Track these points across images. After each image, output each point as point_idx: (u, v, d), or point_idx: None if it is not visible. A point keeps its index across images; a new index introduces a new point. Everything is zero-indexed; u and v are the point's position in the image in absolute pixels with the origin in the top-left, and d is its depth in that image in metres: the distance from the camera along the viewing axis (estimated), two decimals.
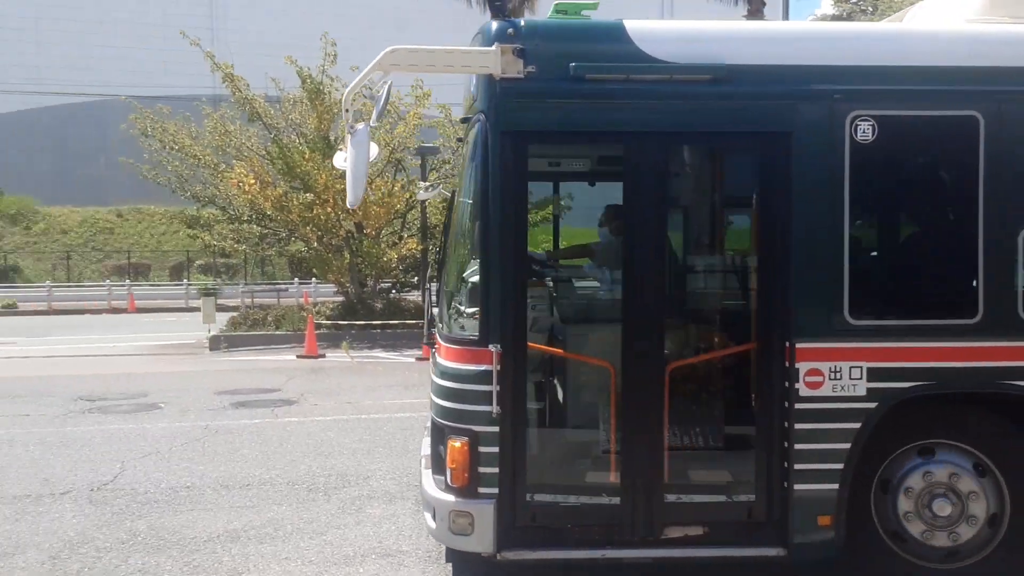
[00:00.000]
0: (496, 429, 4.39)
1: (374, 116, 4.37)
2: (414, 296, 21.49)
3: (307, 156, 17.17)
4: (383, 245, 18.63)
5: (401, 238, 19.56)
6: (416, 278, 21.02)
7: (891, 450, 4.54)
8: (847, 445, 4.37)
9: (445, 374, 4.56)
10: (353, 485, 6.84)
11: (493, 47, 4.31)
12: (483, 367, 4.38)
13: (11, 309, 27.30)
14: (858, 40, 4.77)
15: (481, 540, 4.41)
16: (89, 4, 51.72)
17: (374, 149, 4.52)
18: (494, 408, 4.35)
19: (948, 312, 4.54)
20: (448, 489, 4.44)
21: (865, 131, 4.42)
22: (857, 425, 4.38)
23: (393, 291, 20.81)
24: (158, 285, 35.31)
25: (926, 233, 4.87)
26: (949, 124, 4.51)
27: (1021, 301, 4.41)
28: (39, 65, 50.63)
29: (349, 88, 4.45)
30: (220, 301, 23.84)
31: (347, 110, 4.45)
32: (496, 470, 4.40)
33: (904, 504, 4.53)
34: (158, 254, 40.38)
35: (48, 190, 43.87)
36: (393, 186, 18.46)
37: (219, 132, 18.91)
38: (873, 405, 4.39)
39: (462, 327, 4.70)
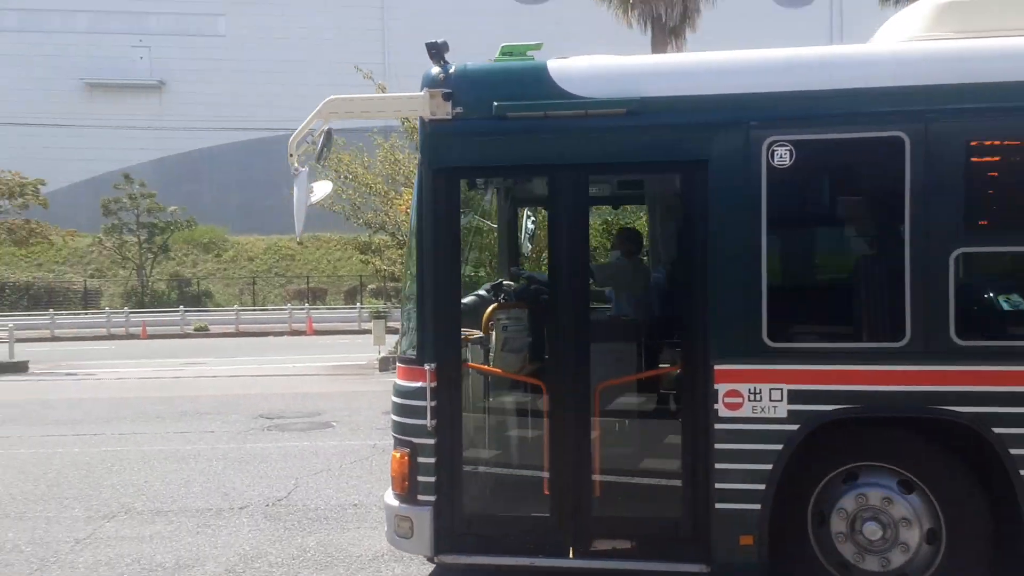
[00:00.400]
0: (432, 441, 4.70)
1: (315, 158, 4.88)
2: None
3: None
4: None
5: None
6: None
7: (823, 473, 4.49)
8: (768, 466, 4.38)
9: (395, 391, 4.92)
10: None
11: (423, 92, 4.70)
12: (419, 384, 4.72)
13: (203, 331, 29.44)
14: (775, 67, 4.70)
15: (420, 543, 4.75)
16: (268, 47, 55.26)
17: (324, 187, 5.00)
18: (428, 422, 4.67)
19: (873, 335, 4.48)
20: (395, 496, 4.82)
21: (782, 156, 4.43)
22: (779, 447, 4.38)
23: None
24: (334, 308, 37.17)
25: (849, 256, 4.84)
26: (873, 146, 4.47)
27: (953, 324, 4.27)
28: (225, 104, 54.54)
29: (293, 136, 4.89)
30: (390, 324, 24.77)
31: (291, 155, 4.87)
32: (433, 479, 4.72)
33: (839, 529, 4.47)
34: (334, 279, 42.52)
35: (236, 220, 47.13)
36: None
37: (389, 161, 19.67)
38: (795, 427, 4.38)
39: (406, 348, 5.05)
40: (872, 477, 4.45)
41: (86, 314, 34.37)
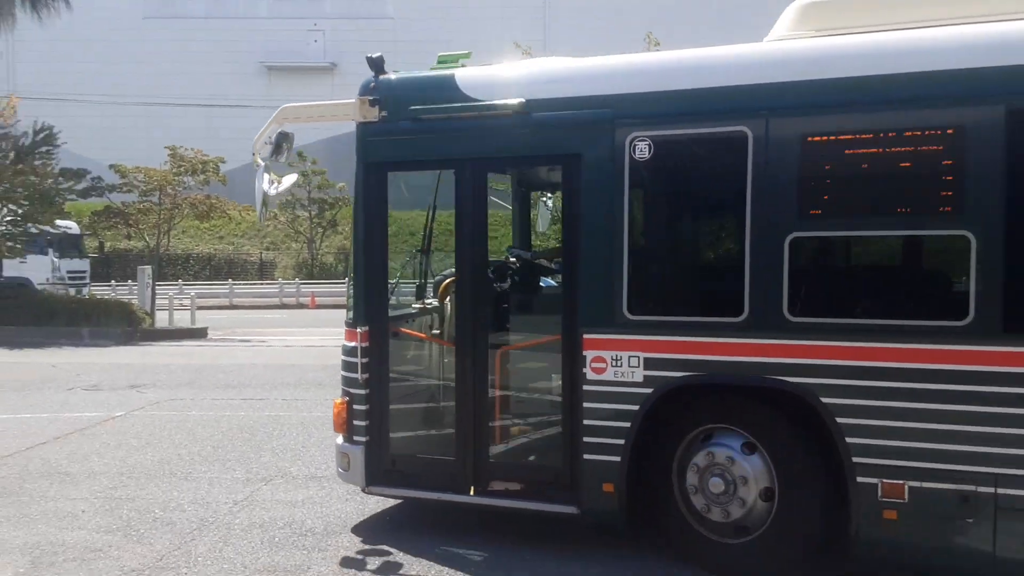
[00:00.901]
0: (364, 392, 5.70)
1: (268, 155, 5.91)
2: None
3: None
4: None
5: None
6: None
7: (684, 432, 5.08)
8: (627, 424, 5.04)
9: (342, 350, 5.91)
10: None
11: (356, 99, 5.72)
12: (353, 344, 5.75)
13: None
14: (637, 69, 5.38)
15: (356, 476, 5.76)
16: (434, 27, 56.36)
17: (290, 178, 6.04)
18: (360, 375, 5.69)
19: (716, 310, 5.03)
20: (340, 436, 5.85)
21: (642, 150, 5.05)
22: (635, 407, 5.02)
23: None
24: None
25: (697, 239, 5.60)
26: (720, 139, 4.96)
27: (786, 302, 4.69)
28: None
29: (255, 138, 6.00)
30: None
31: (254, 153, 5.94)
32: (365, 423, 5.70)
33: (692, 482, 5.04)
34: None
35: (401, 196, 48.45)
36: None
37: None
38: (649, 391, 5.00)
39: (347, 314, 5.98)
40: (722, 438, 5.00)
41: (261, 284, 36.43)
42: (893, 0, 5.11)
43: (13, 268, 22.94)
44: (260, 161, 5.96)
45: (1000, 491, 4.34)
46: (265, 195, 5.89)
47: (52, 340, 18.45)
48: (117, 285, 31.73)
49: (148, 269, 22.44)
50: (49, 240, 25.30)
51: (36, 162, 20.33)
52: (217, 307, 31.09)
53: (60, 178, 20.93)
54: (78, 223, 27.15)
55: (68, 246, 27.66)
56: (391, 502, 6.25)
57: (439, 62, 5.92)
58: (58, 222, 22.75)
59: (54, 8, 24.04)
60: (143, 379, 12.72)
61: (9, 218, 20.74)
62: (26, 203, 20.33)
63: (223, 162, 21.88)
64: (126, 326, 19.68)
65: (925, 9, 4.93)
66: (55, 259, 26.74)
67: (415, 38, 55.89)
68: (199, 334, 20.89)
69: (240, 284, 35.09)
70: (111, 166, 22.19)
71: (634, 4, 52.40)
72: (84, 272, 28.84)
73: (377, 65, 5.79)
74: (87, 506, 6.29)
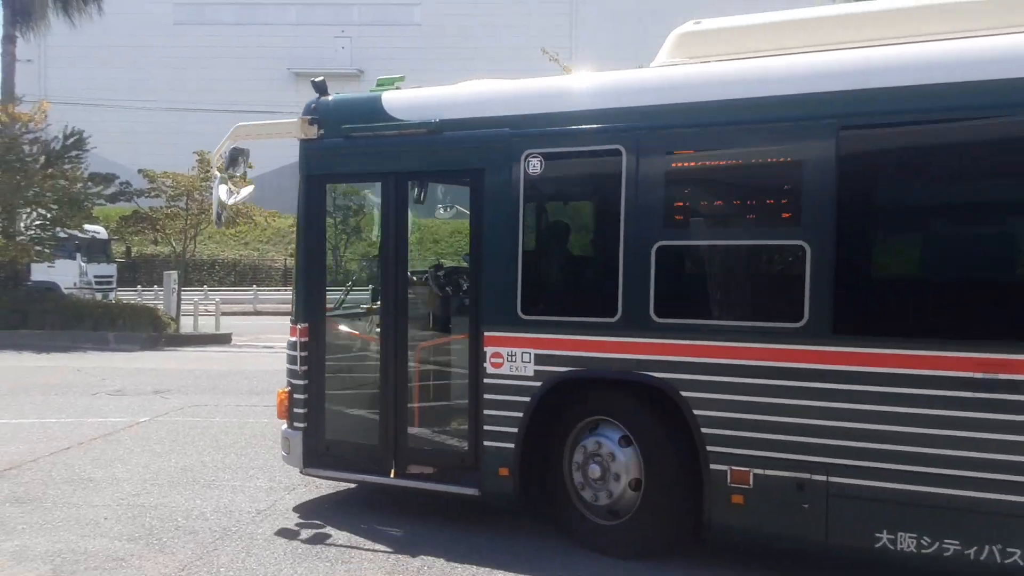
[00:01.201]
0: (302, 383, 6.35)
1: (225, 169, 6.67)
2: None
3: None
4: None
5: None
6: None
7: (574, 423, 5.63)
8: (520, 414, 5.59)
9: (287, 344, 6.59)
10: None
11: (297, 119, 6.41)
12: (295, 339, 6.42)
13: None
14: (532, 92, 5.94)
15: (295, 459, 6.43)
16: (461, 34, 56.58)
17: (247, 190, 6.86)
18: (299, 367, 6.35)
19: (595, 311, 5.48)
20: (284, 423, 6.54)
21: (535, 166, 5.66)
22: (527, 399, 5.58)
23: None
24: None
25: (580, 246, 6.13)
26: (599, 156, 5.55)
27: (652, 305, 5.25)
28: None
29: (213, 152, 6.86)
30: None
31: (212, 166, 7.07)
32: (303, 411, 6.34)
33: (576, 468, 5.61)
34: None
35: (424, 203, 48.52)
36: None
37: None
38: (538, 384, 5.56)
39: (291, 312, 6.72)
40: (604, 429, 5.55)
41: (285, 290, 36.56)
42: (750, 32, 5.77)
43: (41, 272, 23.11)
44: (217, 173, 6.83)
45: (831, 479, 4.80)
46: (223, 203, 6.77)
47: (78, 344, 18.57)
48: (143, 290, 31.94)
49: (174, 274, 22.54)
50: (77, 245, 25.50)
51: (66, 166, 20.51)
52: (242, 313, 31.22)
53: (89, 183, 21.08)
54: (106, 228, 27.34)
55: (96, 251, 27.86)
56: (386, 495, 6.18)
57: (377, 84, 6.56)
58: (86, 227, 22.92)
59: (86, 12, 24.32)
60: (167, 384, 12.74)
61: (38, 222, 20.92)
62: (55, 207, 20.48)
63: (251, 167, 21.80)
64: (151, 331, 19.76)
65: (776, 40, 5.58)
66: (83, 264, 26.95)
67: (442, 45, 56.14)
68: (224, 340, 20.95)
69: (265, 290, 35.24)
70: (140, 171, 22.29)
71: (662, 9, 52.23)
72: (111, 277, 29.04)
73: (320, 88, 6.52)
74: (110, 513, 6.25)
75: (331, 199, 6.70)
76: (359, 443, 6.41)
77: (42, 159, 20.32)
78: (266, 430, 9.32)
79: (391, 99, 6.24)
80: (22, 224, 21.03)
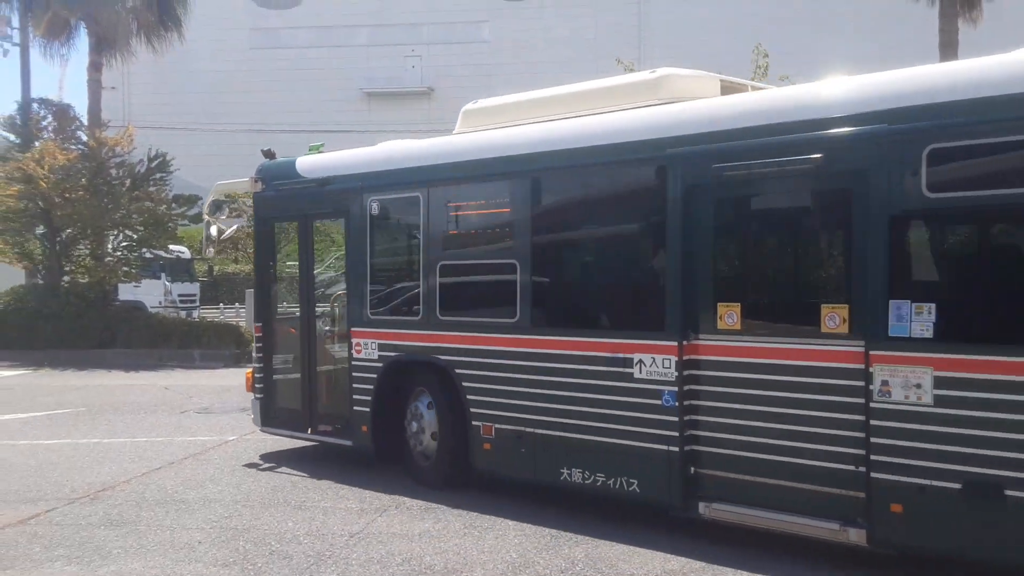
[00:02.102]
0: (259, 364, 9.02)
1: (211, 213, 10.12)
2: None
3: None
4: None
5: None
6: None
7: (409, 391, 7.77)
8: (371, 387, 7.84)
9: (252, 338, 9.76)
10: None
11: (249, 178, 9.04)
12: (255, 334, 9.26)
13: None
14: (373, 155, 8.29)
15: (257, 420, 9.03)
16: (528, 49, 56.61)
17: (232, 228, 11.04)
18: (255, 353, 9.19)
19: (408, 312, 7.67)
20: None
21: (375, 209, 7.92)
22: (375, 375, 7.83)
23: None
24: None
25: (400, 266, 8.16)
26: (409, 201, 7.67)
27: (438, 307, 7.39)
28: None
29: (204, 205, 9.83)
30: None
31: (203, 211, 10.04)
32: (260, 385, 8.94)
33: (407, 425, 7.80)
34: None
35: None
36: None
37: None
38: (380, 365, 7.80)
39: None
40: (423, 396, 7.67)
41: None
42: (503, 109, 7.85)
43: (128, 292, 23.66)
44: (206, 216, 10.12)
45: (535, 431, 6.74)
46: (212, 239, 10.16)
47: (165, 362, 18.91)
48: (225, 308, 32.53)
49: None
50: (162, 264, 26.08)
51: (151, 188, 20.96)
52: None
53: (173, 204, 21.51)
54: (189, 248, 27.93)
55: (180, 270, 28.49)
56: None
57: (309, 150, 8.98)
58: (171, 247, 23.39)
59: (167, 39, 24.92)
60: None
61: (125, 244, 21.41)
62: (141, 228, 20.94)
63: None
64: (234, 348, 19.98)
65: (516, 113, 7.63)
66: (167, 283, 27.57)
67: (510, 60, 56.25)
68: None
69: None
70: None
71: (731, 16, 51.43)
72: (194, 296, 29.66)
73: (268, 154, 9.25)
74: (203, 536, 6.15)
75: (276, 234, 9.34)
76: (293, 408, 8.75)
77: (128, 182, 20.80)
78: (350, 449, 9.20)
79: (302, 162, 8.75)
80: (110, 246, 21.55)
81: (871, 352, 5.10)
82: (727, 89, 6.92)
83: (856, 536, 5.20)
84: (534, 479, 6.81)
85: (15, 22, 26.89)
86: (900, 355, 5.00)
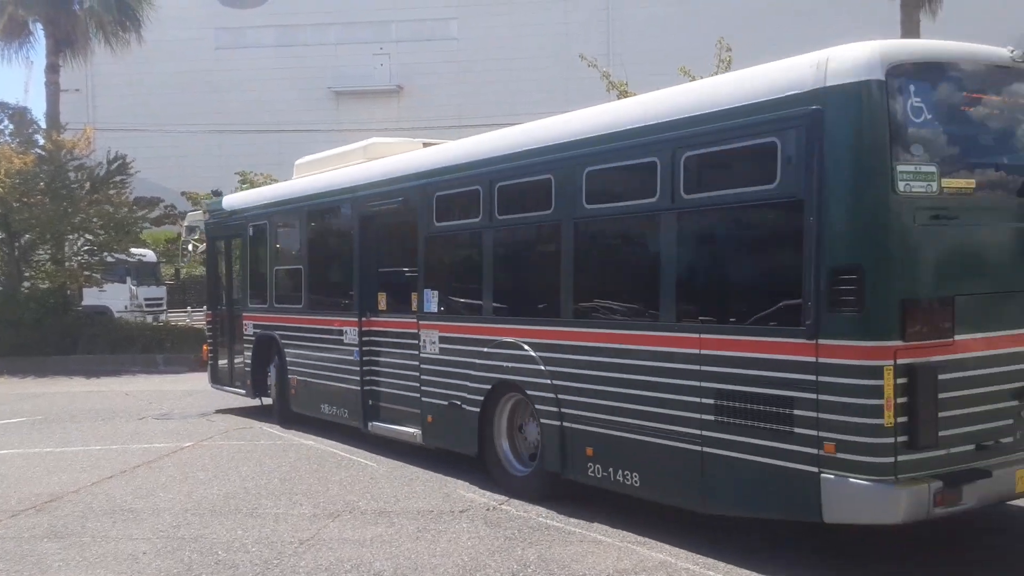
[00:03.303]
0: (210, 341, 12.81)
1: (187, 235, 14.66)
2: None
3: None
4: None
5: None
6: None
7: (276, 352, 10.85)
8: (250, 352, 11.30)
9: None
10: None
11: (201, 211, 13.50)
12: (207, 319, 13.26)
13: None
14: (247, 196, 12.74)
15: (209, 380, 12.97)
16: (497, 46, 56.44)
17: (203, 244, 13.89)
18: (207, 332, 13.44)
19: (263, 302, 11.12)
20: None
21: (251, 231, 11.38)
22: (251, 345, 11.27)
23: None
24: None
25: (261, 271, 11.30)
26: (262, 226, 11.20)
27: (274, 298, 10.97)
28: (457, 103, 56.27)
29: (183, 228, 15.20)
30: None
31: (186, 225, 14.67)
32: (210, 354, 12.86)
33: (268, 377, 11.16)
34: None
35: None
36: None
37: None
38: (253, 338, 11.24)
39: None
40: (276, 359, 10.91)
41: None
42: (306, 167, 11.19)
43: (93, 297, 23.30)
44: (184, 236, 13.95)
45: (308, 380, 10.18)
46: (189, 253, 14.89)
47: (127, 368, 18.63)
48: (193, 311, 32.15)
49: None
50: (127, 268, 25.71)
51: (111, 191, 20.64)
52: None
53: (135, 206, 21.20)
54: (154, 251, 27.56)
55: (145, 274, 28.09)
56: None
57: (211, 193, 16.75)
58: (133, 250, 23.05)
59: (125, 40, 24.52)
60: (214, 407, 12.60)
61: (86, 248, 21.08)
62: (102, 232, 20.61)
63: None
64: (199, 353, 19.72)
65: (309, 170, 11.01)
66: (133, 287, 27.18)
67: (480, 57, 56.07)
68: None
69: None
70: (183, 193, 22.42)
71: (698, 14, 51.56)
72: (161, 299, 29.26)
73: (215, 193, 15.13)
74: (148, 547, 6.01)
75: (218, 247, 12.67)
76: (227, 371, 12.20)
77: (87, 185, 20.48)
78: (311, 453, 9.08)
79: (226, 200, 12.79)
80: (70, 250, 21.20)
81: (419, 322, 8.15)
82: (428, 146, 9.23)
83: (419, 438, 8.24)
84: (310, 413, 10.20)
85: None
86: (426, 323, 8.06)
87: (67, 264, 20.76)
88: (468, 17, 57.49)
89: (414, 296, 8.21)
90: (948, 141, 5.23)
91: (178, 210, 21.97)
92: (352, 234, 9.20)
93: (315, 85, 57.17)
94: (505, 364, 7.14)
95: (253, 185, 22.01)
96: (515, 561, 5.58)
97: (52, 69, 23.92)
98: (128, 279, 26.64)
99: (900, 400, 4.79)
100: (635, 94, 18.48)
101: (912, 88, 5.03)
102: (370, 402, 8.93)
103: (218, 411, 12.25)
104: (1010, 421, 5.21)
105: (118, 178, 20.71)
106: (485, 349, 7.34)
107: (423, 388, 8.06)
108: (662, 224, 5.93)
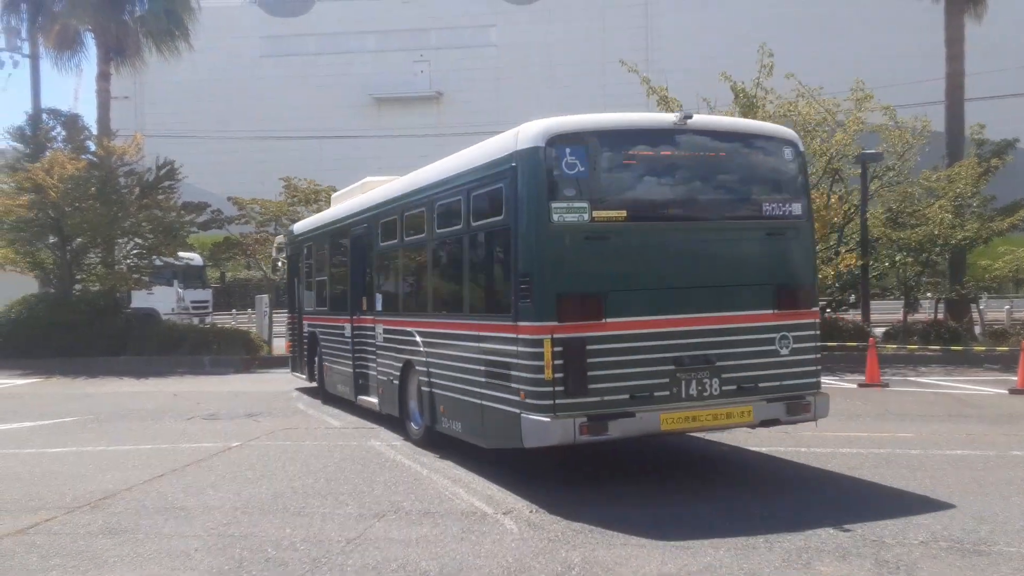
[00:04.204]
0: (291, 336, 16.22)
1: (276, 255, 19.19)
2: (852, 315, 19.72)
3: None
4: (817, 261, 17.38)
5: (838, 253, 18.12)
6: (853, 296, 19.30)
7: (316, 346, 14.05)
8: (306, 346, 14.64)
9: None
10: (797, 532, 6.10)
11: (282, 235, 18.22)
12: (290, 320, 16.35)
13: None
14: (307, 221, 15.81)
15: (290, 368, 16.50)
16: (536, 51, 56.50)
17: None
18: (288, 332, 16.45)
19: (320, 304, 13.91)
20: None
21: (304, 250, 15.00)
22: (306, 340, 14.67)
23: (828, 310, 19.36)
24: None
25: (320, 280, 14.02)
26: (315, 244, 14.49)
27: (317, 303, 14.02)
28: (497, 109, 56.38)
29: (275, 243, 18.90)
30: None
31: (275, 245, 18.87)
32: (293, 350, 16.14)
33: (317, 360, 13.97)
34: None
35: None
36: (829, 198, 17.15)
37: None
38: (307, 334, 14.63)
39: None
40: (316, 348, 13.89)
41: None
42: (340, 198, 14.01)
43: (141, 299, 23.84)
44: (274, 254, 18.43)
45: (336, 367, 12.76)
46: (278, 268, 19.04)
47: (175, 369, 19.00)
48: (237, 314, 32.66)
49: (265, 298, 22.93)
50: (174, 272, 26.23)
51: (159, 196, 21.09)
52: None
53: (182, 211, 21.65)
54: (200, 254, 28.09)
55: (192, 277, 28.66)
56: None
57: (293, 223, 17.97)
58: (181, 254, 23.54)
59: (175, 48, 25.04)
60: (260, 407, 12.82)
61: (136, 251, 21.55)
62: (151, 236, 21.09)
63: (335, 191, 22.25)
64: (244, 354, 20.08)
65: (343, 200, 13.50)
66: (180, 290, 27.72)
67: (518, 63, 56.22)
68: None
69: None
70: (229, 198, 22.82)
71: (735, 21, 51.18)
72: (207, 302, 29.82)
73: (288, 224, 18.20)
74: (200, 544, 6.15)
75: (293, 263, 15.69)
76: (297, 360, 15.18)
77: (137, 190, 20.95)
78: (355, 453, 9.21)
79: (296, 225, 15.75)
80: (120, 253, 21.69)
81: (374, 318, 10.74)
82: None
83: (377, 406, 10.79)
84: (333, 393, 12.77)
85: (24, 33, 27.11)
86: (377, 319, 10.70)
87: (117, 267, 21.26)
88: (507, 24, 57.77)
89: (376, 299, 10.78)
90: (602, 184, 7.18)
91: (224, 214, 22.38)
92: (347, 252, 11.97)
93: (356, 92, 57.85)
94: (409, 347, 9.40)
95: (296, 190, 22.37)
96: (559, 563, 5.61)
97: (103, 77, 24.52)
98: (175, 282, 27.19)
99: (557, 362, 6.84)
100: (675, 99, 18.57)
101: (568, 150, 7.04)
102: (359, 381, 11.42)
103: (263, 412, 12.47)
104: (666, 380, 7.14)
105: (167, 183, 21.17)
106: (400, 336, 9.73)
107: (378, 367, 10.46)
108: (446, 248, 8.82)
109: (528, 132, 7.17)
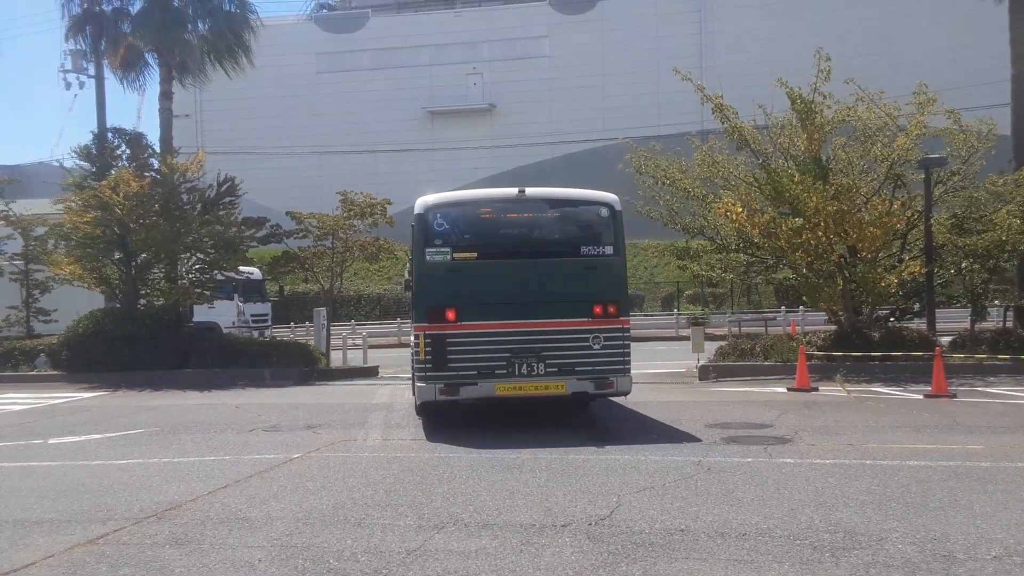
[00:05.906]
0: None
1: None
2: (917, 324, 19.25)
3: (796, 179, 16.37)
4: (880, 269, 17.00)
5: (901, 260, 17.72)
6: (918, 304, 18.85)
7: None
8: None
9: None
10: (864, 547, 5.97)
11: (415, 214, 12.40)
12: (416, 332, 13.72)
13: None
14: (444, 199, 12.29)
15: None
16: (589, 62, 56.42)
17: None
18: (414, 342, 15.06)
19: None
20: None
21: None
22: (429, 341, 12.01)
23: (892, 319, 18.92)
24: (651, 315, 36.81)
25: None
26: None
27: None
28: (550, 120, 56.43)
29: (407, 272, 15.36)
30: (708, 330, 23.74)
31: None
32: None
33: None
34: (651, 285, 42.24)
35: None
36: (892, 204, 16.78)
37: (707, 164, 18.97)
38: (425, 336, 11.60)
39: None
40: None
41: None
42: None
43: (202, 313, 24.35)
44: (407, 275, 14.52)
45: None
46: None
47: (237, 382, 19.34)
48: (296, 327, 33.15)
49: (323, 311, 23.24)
50: (235, 286, 26.74)
51: (220, 212, 21.54)
52: (387, 345, 31.84)
53: (242, 226, 22.07)
54: (260, 268, 28.60)
55: (251, 291, 29.19)
56: None
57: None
58: (242, 268, 23.98)
59: (238, 65, 25.64)
60: (319, 419, 12.98)
61: (198, 266, 22.03)
62: (212, 251, 21.54)
63: (390, 204, 22.47)
64: (303, 366, 20.37)
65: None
66: (240, 303, 28.25)
67: (571, 74, 56.28)
68: (371, 372, 21.35)
69: (409, 323, 35.92)
70: (288, 213, 23.21)
71: (789, 28, 50.52)
72: (266, 315, 30.34)
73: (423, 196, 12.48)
74: (264, 555, 6.24)
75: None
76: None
77: (199, 207, 21.43)
78: (413, 464, 9.25)
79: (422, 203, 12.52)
80: (183, 268, 22.19)
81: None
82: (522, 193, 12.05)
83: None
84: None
85: (89, 55, 28.01)
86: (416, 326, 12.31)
87: (180, 282, 21.73)
88: (559, 35, 57.92)
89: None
90: (461, 235, 11.18)
91: (282, 229, 22.78)
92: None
93: (410, 105, 58.51)
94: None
95: (353, 203, 22.66)
96: None
97: (165, 96, 25.18)
98: (235, 296, 27.71)
99: (428, 349, 10.82)
100: (730, 107, 18.41)
101: (438, 215, 11.17)
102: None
103: (322, 424, 12.63)
104: (503, 363, 10.71)
105: (227, 199, 21.60)
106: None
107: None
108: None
109: (419, 203, 11.19)
